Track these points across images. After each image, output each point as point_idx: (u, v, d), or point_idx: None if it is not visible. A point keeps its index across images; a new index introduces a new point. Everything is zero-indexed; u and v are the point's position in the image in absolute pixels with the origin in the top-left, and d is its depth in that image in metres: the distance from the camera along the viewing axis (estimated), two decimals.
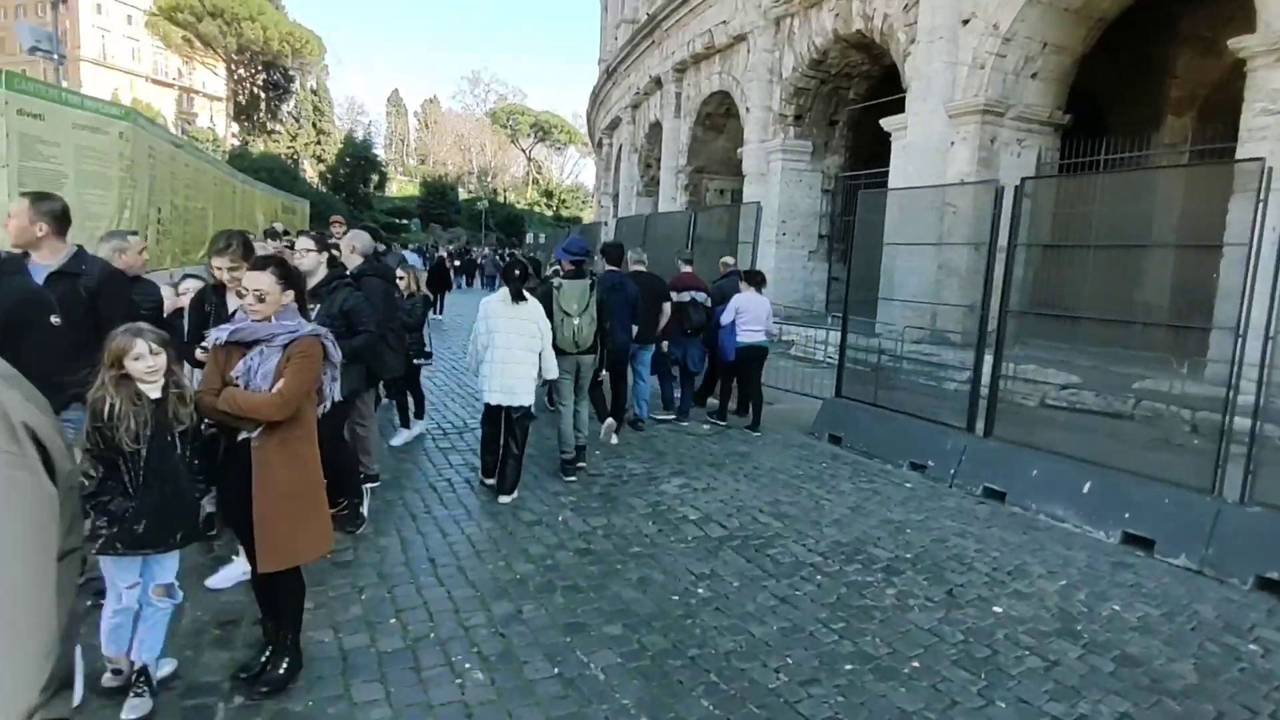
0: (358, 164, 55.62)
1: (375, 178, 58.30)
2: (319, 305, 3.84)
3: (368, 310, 4.15)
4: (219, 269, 3.66)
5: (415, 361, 6.28)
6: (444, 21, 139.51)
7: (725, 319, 7.28)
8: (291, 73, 55.67)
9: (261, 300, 2.65)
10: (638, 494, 5.31)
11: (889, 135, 11.42)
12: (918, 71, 10.57)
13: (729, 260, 8.82)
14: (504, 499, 4.96)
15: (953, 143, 10.12)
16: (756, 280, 7.56)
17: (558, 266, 6.36)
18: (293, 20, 55.51)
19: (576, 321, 5.39)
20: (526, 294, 5.01)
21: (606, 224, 23.72)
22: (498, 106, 76.10)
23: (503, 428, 5.03)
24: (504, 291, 5.00)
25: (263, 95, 55.27)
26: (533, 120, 73.19)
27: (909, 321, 8.15)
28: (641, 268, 7.15)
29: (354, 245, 4.69)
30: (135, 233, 4.99)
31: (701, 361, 7.95)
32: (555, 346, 5.17)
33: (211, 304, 3.73)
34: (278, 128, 56.16)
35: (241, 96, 55.09)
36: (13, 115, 5.86)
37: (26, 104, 6.00)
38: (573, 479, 5.49)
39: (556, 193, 73.58)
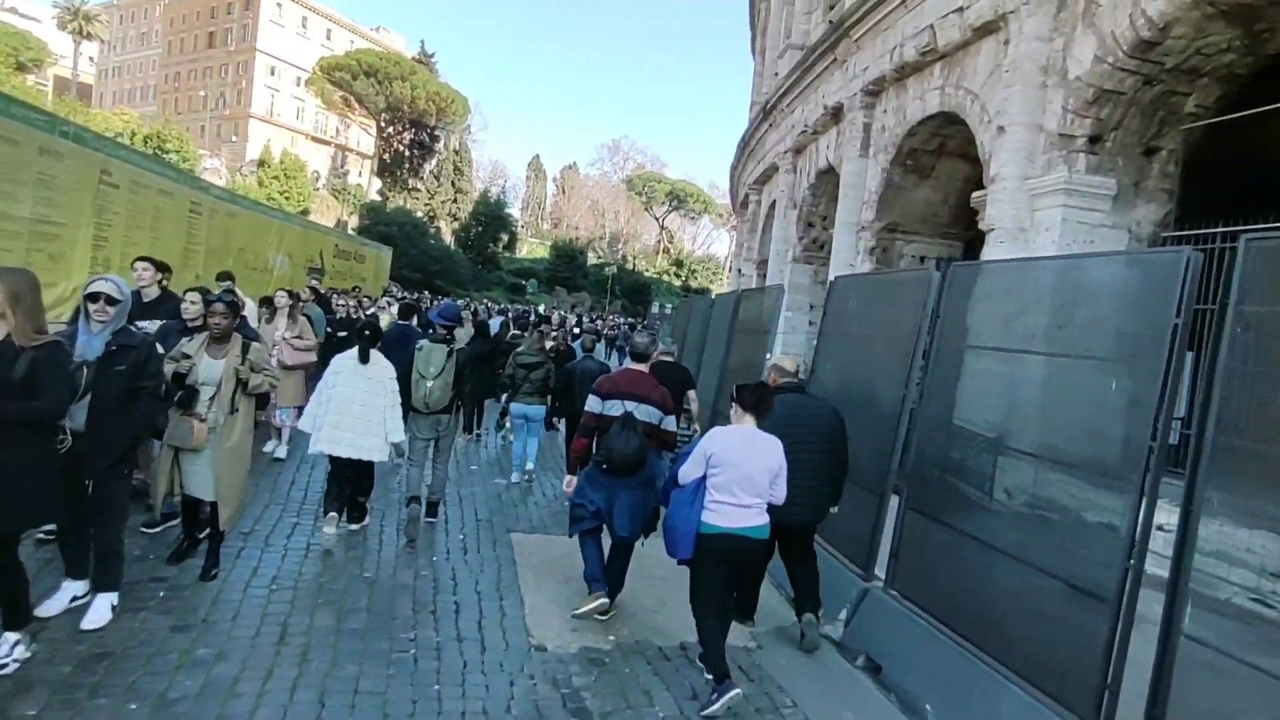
0: (489, 223, 54.80)
1: (505, 237, 57.22)
2: None
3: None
4: None
5: None
6: (588, 90, 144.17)
7: (684, 474, 3.75)
8: (437, 133, 56.12)
9: None
10: None
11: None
12: None
13: (782, 365, 4.97)
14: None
15: None
16: (757, 403, 3.79)
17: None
18: (441, 81, 56.26)
19: (429, 384, 5.51)
20: (374, 355, 5.16)
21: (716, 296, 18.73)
22: (634, 173, 75.10)
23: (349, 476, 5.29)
24: (354, 350, 5.15)
25: (407, 153, 55.84)
26: (669, 188, 71.32)
27: None
28: (667, 358, 6.95)
29: None
30: None
31: (639, 518, 4.36)
32: (411, 405, 5.44)
33: None
34: (419, 185, 56.34)
35: (387, 154, 55.94)
36: None
37: None
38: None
39: (687, 262, 70.95)
